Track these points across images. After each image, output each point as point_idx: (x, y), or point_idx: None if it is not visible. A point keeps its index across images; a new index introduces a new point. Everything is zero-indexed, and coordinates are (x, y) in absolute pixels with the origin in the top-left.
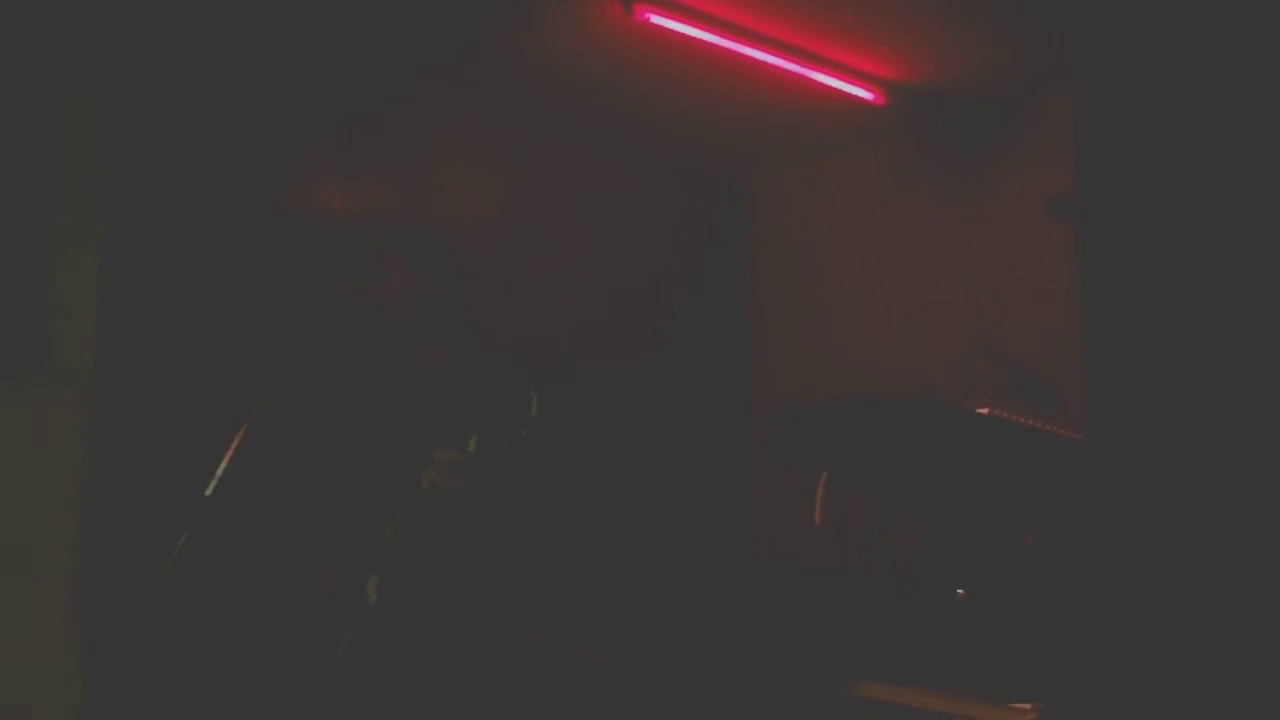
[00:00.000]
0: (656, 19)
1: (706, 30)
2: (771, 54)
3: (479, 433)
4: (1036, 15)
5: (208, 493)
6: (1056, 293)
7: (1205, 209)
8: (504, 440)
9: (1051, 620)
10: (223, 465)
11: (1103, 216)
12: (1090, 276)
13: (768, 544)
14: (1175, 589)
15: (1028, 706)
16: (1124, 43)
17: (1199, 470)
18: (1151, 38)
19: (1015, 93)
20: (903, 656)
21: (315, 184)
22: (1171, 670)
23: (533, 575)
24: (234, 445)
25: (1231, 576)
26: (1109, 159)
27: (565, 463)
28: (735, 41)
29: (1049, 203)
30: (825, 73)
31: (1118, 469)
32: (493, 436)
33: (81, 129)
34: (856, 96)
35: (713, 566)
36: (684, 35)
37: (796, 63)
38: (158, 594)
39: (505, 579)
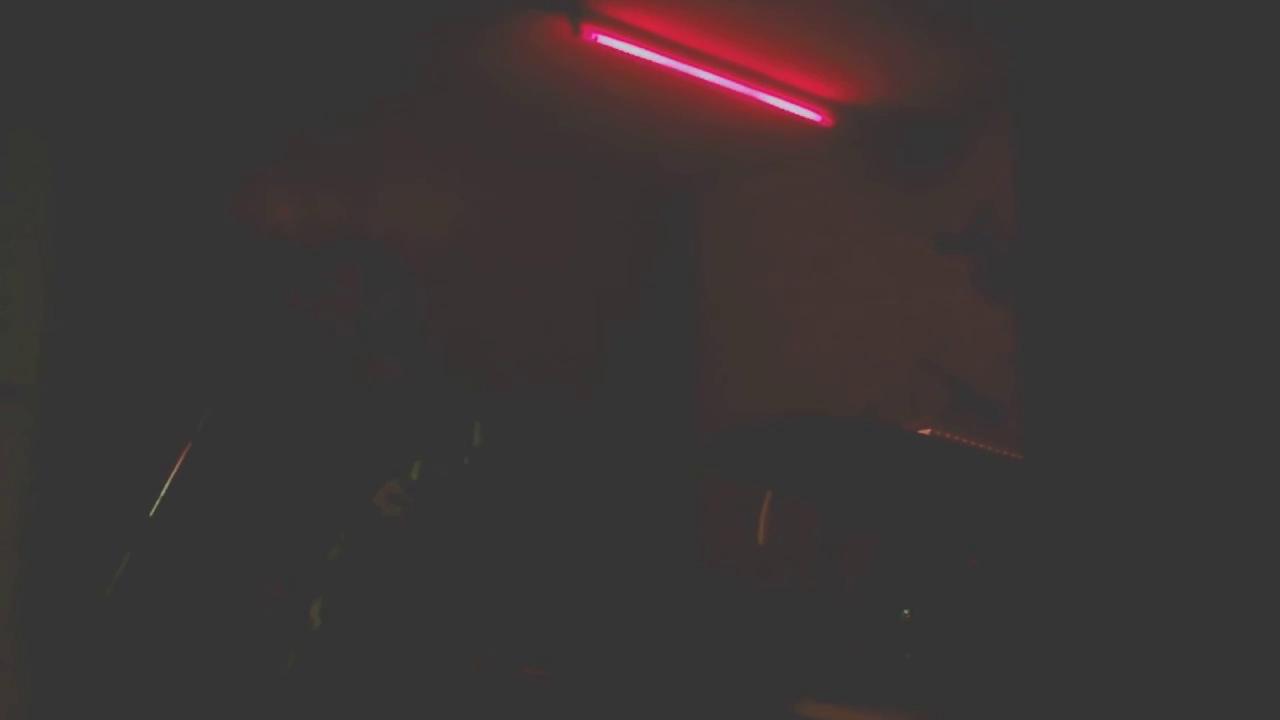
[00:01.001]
0: (604, 39)
1: (654, 51)
2: (719, 75)
3: (422, 459)
4: (981, 36)
5: (151, 514)
6: (1002, 312)
7: (1143, 226)
8: (446, 468)
9: (995, 640)
10: (166, 484)
11: (1039, 234)
12: (1027, 296)
13: (713, 562)
14: (1115, 608)
15: None
16: (1060, 61)
17: (1137, 489)
18: (1089, 54)
19: (960, 113)
20: (846, 676)
21: (264, 197)
22: (1115, 688)
23: (480, 595)
24: (179, 463)
25: (1171, 594)
26: (1045, 177)
27: (512, 481)
28: (682, 62)
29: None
30: (772, 94)
31: (1055, 488)
32: (435, 464)
33: (27, 138)
34: (803, 117)
35: (659, 584)
36: (631, 55)
37: (744, 84)
38: (101, 614)
39: (452, 600)
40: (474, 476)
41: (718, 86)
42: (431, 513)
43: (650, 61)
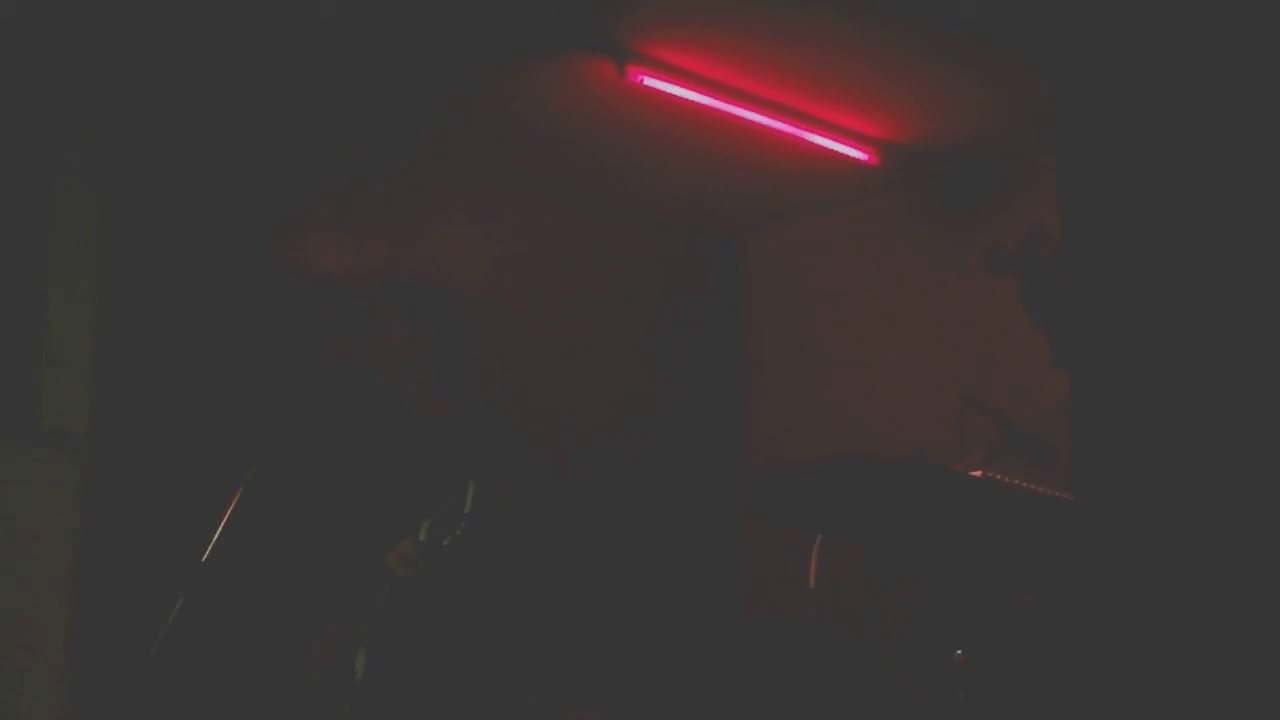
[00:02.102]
0: (650, 81)
1: (699, 91)
2: (764, 115)
3: (429, 521)
4: (1028, 75)
5: (204, 559)
6: (1050, 351)
7: (1189, 264)
8: (444, 537)
9: (1047, 680)
10: (219, 530)
11: (1087, 271)
12: (1078, 333)
13: (761, 603)
14: (1167, 648)
15: None
16: (1107, 101)
17: (1187, 529)
18: (1133, 93)
19: (1007, 152)
20: (898, 718)
21: (310, 242)
22: None
23: (524, 634)
24: (230, 508)
25: (1221, 635)
26: (1092, 215)
27: (560, 521)
28: (728, 103)
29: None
30: (818, 133)
31: (1106, 529)
32: (437, 528)
33: (80, 186)
34: (850, 156)
35: (706, 625)
36: (677, 97)
37: (789, 123)
38: (153, 660)
39: (495, 642)
40: (475, 541)
41: (763, 127)
42: (449, 573)
43: (695, 103)
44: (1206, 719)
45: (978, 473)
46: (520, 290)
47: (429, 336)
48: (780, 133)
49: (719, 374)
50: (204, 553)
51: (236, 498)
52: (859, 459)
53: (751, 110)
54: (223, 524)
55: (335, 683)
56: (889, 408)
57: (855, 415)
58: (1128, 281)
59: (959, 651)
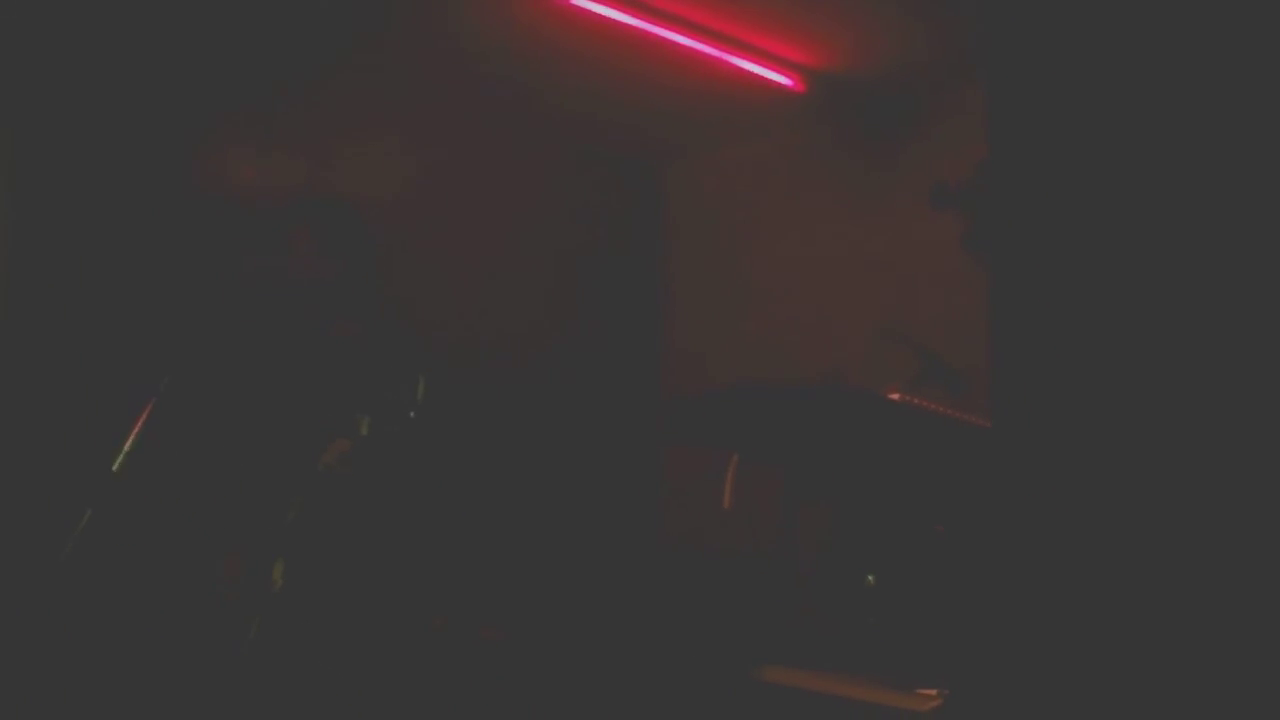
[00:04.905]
0: (575, 0)
1: (624, 11)
2: (690, 37)
3: (369, 416)
4: (959, 6)
5: (114, 469)
6: (970, 281)
7: (1115, 197)
8: (392, 424)
9: (958, 608)
10: (129, 441)
11: (1011, 205)
12: (998, 265)
13: (677, 526)
14: (1077, 575)
15: (933, 693)
16: (1037, 31)
17: (1104, 460)
18: (1066, 26)
19: (933, 83)
20: (809, 641)
21: (224, 158)
22: (1076, 655)
23: (438, 557)
24: (140, 420)
25: (1134, 561)
26: (1018, 149)
27: (472, 442)
28: (653, 24)
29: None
30: (744, 57)
31: (1022, 457)
32: (381, 420)
33: None
34: (775, 82)
35: (622, 551)
36: (602, 17)
37: (716, 47)
38: (61, 570)
39: (408, 562)
40: (422, 432)
41: (688, 49)
42: (385, 471)
43: (620, 23)
44: (1116, 647)
45: (895, 395)
46: (438, 210)
47: (338, 257)
48: (705, 56)
49: (637, 298)
50: (114, 464)
51: (147, 410)
52: (777, 382)
53: (677, 32)
54: (132, 436)
55: (249, 594)
56: (807, 336)
57: (773, 343)
58: (1053, 217)
59: (870, 577)
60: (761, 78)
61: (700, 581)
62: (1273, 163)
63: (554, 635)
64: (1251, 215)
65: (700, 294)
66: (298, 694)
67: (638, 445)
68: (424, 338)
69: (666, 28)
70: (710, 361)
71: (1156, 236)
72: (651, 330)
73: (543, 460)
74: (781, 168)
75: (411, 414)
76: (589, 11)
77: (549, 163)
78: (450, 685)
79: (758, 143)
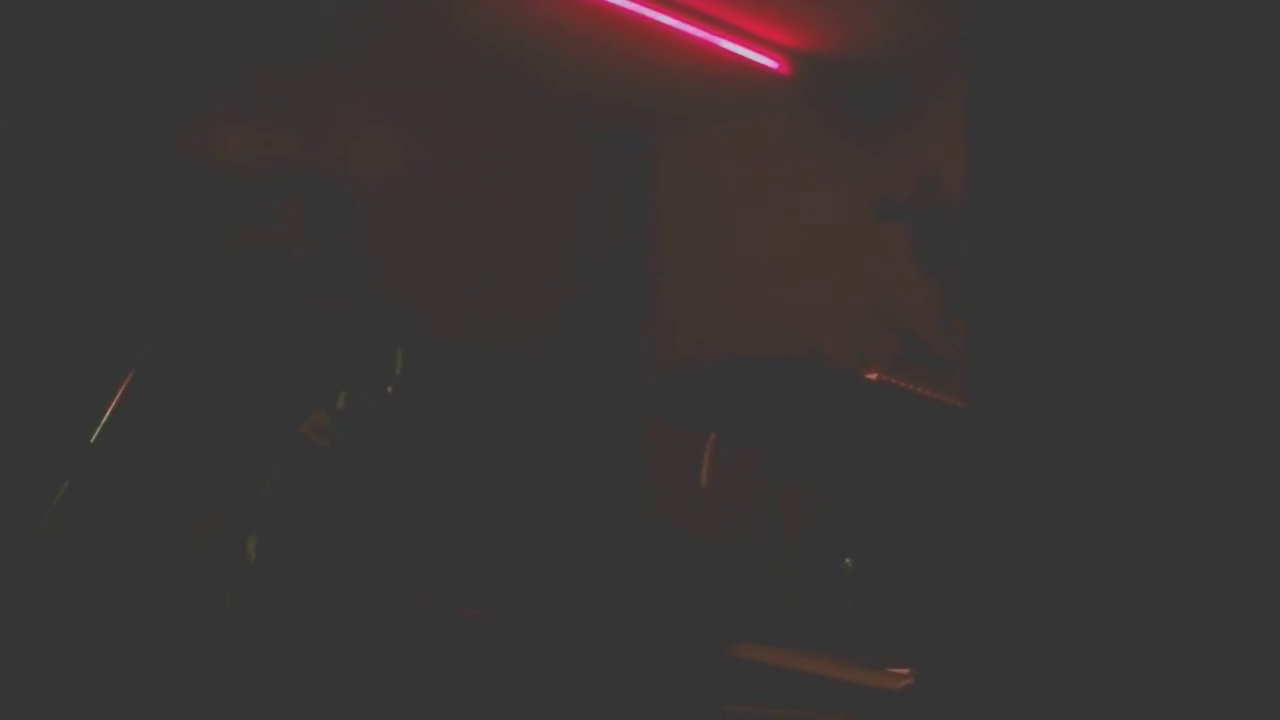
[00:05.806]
0: None
1: None
2: (677, 18)
3: (347, 389)
4: None
5: (92, 440)
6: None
7: (1094, 184)
8: (370, 398)
9: (933, 589)
10: (107, 413)
11: (990, 192)
12: (975, 250)
13: (658, 506)
14: (1056, 556)
15: (904, 671)
16: (1018, 22)
17: (1082, 444)
18: (1047, 16)
19: (918, 66)
20: (785, 621)
21: (215, 131)
22: (1056, 636)
23: (421, 536)
24: (119, 392)
25: (1113, 542)
26: (999, 134)
27: (457, 419)
28: (641, 4)
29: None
30: (731, 39)
31: (999, 441)
32: (358, 393)
33: None
34: (761, 64)
35: (603, 529)
36: None
37: (703, 28)
38: (40, 541)
39: (390, 539)
40: (402, 406)
41: (676, 30)
42: (362, 445)
43: (609, 2)
44: (1085, 626)
45: (873, 375)
46: (426, 187)
47: (327, 233)
48: (693, 38)
49: (624, 277)
50: (92, 435)
51: (126, 381)
52: (757, 358)
53: (664, 13)
54: (111, 408)
55: (223, 567)
56: (790, 316)
57: (758, 322)
58: (1030, 209)
59: (847, 560)
60: (748, 60)
61: (680, 561)
62: (1251, 156)
63: (534, 613)
64: (1226, 205)
65: (686, 274)
66: (270, 669)
67: (623, 423)
68: (404, 311)
69: (652, 7)
70: (693, 340)
71: (1133, 227)
72: (637, 308)
73: (528, 439)
74: (768, 148)
75: (389, 388)
76: None
77: (536, 141)
78: (431, 664)
79: (744, 123)
